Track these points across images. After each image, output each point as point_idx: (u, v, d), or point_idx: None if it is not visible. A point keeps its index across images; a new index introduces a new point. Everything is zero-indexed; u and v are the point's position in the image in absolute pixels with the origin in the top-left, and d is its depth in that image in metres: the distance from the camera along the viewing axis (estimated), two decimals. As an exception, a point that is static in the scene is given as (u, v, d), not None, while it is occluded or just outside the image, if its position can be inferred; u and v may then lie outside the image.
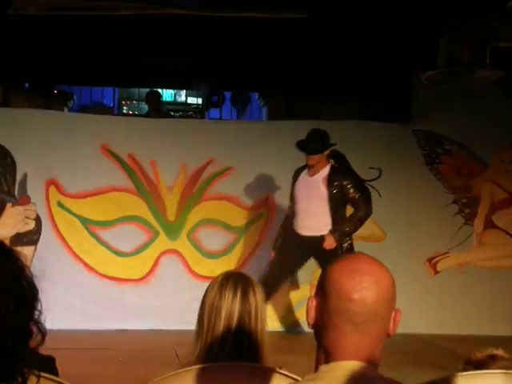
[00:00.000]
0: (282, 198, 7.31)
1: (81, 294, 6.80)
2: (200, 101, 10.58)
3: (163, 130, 7.39)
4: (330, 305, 1.54)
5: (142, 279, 7.12)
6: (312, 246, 6.29)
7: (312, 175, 6.33)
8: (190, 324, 2.52)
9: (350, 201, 6.29)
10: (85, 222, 7.08)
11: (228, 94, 9.68)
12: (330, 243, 6.19)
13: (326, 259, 6.06)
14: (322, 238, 6.22)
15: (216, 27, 6.85)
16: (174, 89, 10.48)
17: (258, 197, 7.43)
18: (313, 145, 6.19)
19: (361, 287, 1.52)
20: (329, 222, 6.26)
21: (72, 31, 7.20)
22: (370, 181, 7.52)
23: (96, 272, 7.04)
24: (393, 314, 1.58)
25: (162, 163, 7.24)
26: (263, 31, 7.04)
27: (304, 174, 6.39)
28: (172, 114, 10.12)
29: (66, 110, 8.84)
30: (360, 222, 6.38)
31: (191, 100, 10.79)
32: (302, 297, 7.05)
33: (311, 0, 5.92)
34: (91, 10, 5.67)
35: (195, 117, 10.05)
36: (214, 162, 7.37)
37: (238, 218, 7.41)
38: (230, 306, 2.36)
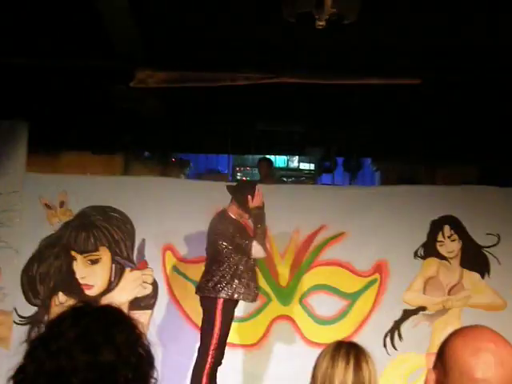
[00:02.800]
0: (396, 264, 7.19)
1: (194, 359, 6.85)
2: (312, 166, 10.68)
3: (276, 196, 7.44)
4: (450, 381, 1.50)
5: (254, 345, 7.11)
6: None
7: None
8: (303, 393, 2.50)
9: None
10: (199, 286, 7.17)
11: (340, 159, 9.72)
12: None
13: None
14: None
15: (327, 94, 6.94)
16: (286, 155, 10.63)
17: (371, 262, 7.31)
18: None
19: (485, 368, 1.46)
20: None
21: (187, 102, 7.49)
22: (488, 247, 7.26)
23: (210, 337, 7.08)
24: None
25: (275, 229, 7.28)
26: (374, 97, 7.07)
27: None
28: (284, 179, 10.26)
29: (182, 176, 9.14)
30: None
31: (303, 166, 10.91)
32: (417, 367, 6.83)
33: (424, 66, 5.90)
34: (209, 82, 5.87)
35: (307, 182, 10.12)
36: (327, 227, 7.34)
37: (351, 283, 7.30)
38: (343, 376, 2.32)
